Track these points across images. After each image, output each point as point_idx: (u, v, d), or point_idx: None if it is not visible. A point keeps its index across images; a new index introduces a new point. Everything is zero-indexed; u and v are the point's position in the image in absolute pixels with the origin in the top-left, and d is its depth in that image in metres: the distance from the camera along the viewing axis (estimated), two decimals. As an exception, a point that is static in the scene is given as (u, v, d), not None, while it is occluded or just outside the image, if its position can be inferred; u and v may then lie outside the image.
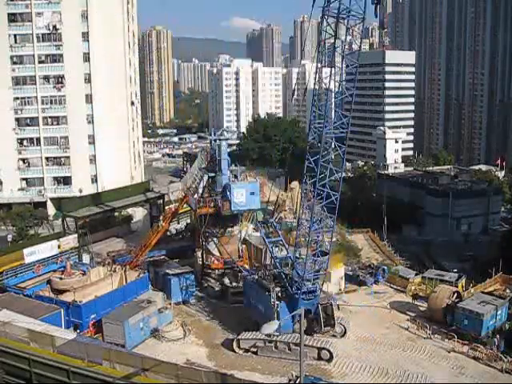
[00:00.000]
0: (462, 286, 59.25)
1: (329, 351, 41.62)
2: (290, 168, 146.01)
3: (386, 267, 65.14)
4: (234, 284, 56.17)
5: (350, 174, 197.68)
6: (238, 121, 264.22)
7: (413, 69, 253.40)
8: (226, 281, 57.17)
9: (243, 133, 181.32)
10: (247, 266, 58.24)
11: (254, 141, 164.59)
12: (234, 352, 43.49)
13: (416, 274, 65.39)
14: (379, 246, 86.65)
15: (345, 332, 45.52)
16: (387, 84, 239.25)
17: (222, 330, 47.31)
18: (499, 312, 47.86)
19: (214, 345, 45.16)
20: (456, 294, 51.10)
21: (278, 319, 40.37)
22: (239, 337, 43.79)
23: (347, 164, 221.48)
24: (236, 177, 61.37)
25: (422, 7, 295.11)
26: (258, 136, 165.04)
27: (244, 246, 62.20)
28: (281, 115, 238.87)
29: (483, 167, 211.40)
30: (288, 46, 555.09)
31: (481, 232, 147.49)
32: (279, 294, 44.21)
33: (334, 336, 44.99)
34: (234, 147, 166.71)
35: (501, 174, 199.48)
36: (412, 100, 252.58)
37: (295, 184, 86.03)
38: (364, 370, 40.66)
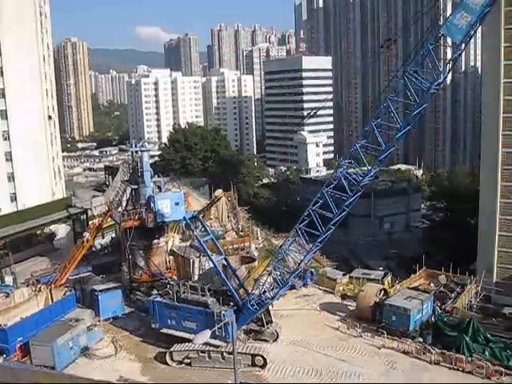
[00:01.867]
0: (389, 283, 60.58)
1: (262, 357, 41.66)
2: (213, 176, 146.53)
3: (313, 270, 65.68)
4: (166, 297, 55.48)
5: (273, 180, 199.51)
6: (159, 131, 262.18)
7: (330, 73, 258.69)
8: (156, 293, 56.41)
9: (165, 143, 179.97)
10: (175, 278, 57.68)
11: (175, 151, 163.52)
12: (168, 365, 42.90)
13: (343, 275, 66.41)
14: (305, 248, 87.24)
15: (277, 337, 45.69)
16: (305, 89, 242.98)
17: (153, 344, 46.57)
18: (425, 306, 49.08)
19: (146, 359, 44.40)
20: (383, 292, 52.19)
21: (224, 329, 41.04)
22: (172, 349, 43.23)
23: (270, 170, 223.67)
24: (159, 188, 60.64)
25: (336, 13, 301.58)
26: (180, 146, 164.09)
27: (171, 257, 61.51)
28: (202, 124, 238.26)
29: (402, 167, 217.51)
30: (206, 54, 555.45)
31: (403, 230, 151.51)
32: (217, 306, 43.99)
33: (266, 341, 45.08)
34: (156, 158, 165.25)
35: (419, 173, 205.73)
36: (330, 104, 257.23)
37: (219, 192, 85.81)
38: (298, 372, 40.89)
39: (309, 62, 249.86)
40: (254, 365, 41.82)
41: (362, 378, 39.82)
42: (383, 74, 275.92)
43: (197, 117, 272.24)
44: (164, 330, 45.22)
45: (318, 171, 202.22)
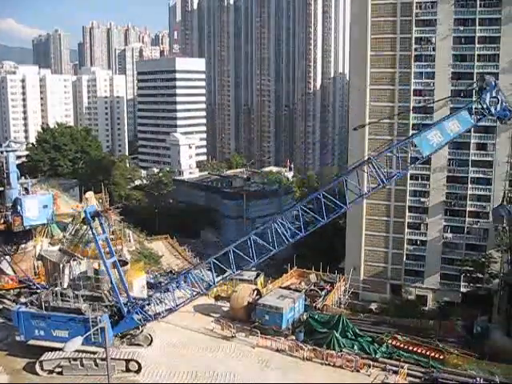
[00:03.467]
0: (261, 284, 61.59)
1: (137, 362, 40.87)
2: (84, 178, 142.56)
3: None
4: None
5: (145, 181, 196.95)
6: (26, 131, 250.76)
7: (203, 75, 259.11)
8: (23, 300, 53.77)
9: (32, 143, 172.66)
10: (44, 283, 55.39)
11: (44, 151, 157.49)
12: (38, 375, 40.97)
13: (216, 276, 66.61)
14: (179, 251, 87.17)
15: (151, 341, 44.98)
16: (179, 91, 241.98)
17: (21, 354, 44.24)
18: (297, 304, 50.32)
19: (15, 370, 42.06)
20: (256, 292, 52.90)
21: (102, 334, 39.18)
22: (42, 358, 41.30)
23: (142, 171, 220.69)
24: (27, 190, 58.06)
25: (210, 15, 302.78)
26: (49, 146, 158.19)
27: (40, 262, 58.97)
28: (72, 124, 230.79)
29: (274, 169, 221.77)
30: (77, 52, 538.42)
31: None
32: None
33: (140, 345, 44.23)
34: (23, 159, 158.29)
35: (290, 175, 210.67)
36: (203, 106, 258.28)
37: (90, 194, 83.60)
38: (174, 375, 40.50)
39: (182, 63, 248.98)
40: (128, 370, 40.93)
41: (237, 377, 40.07)
42: (256, 78, 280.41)
43: (67, 116, 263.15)
44: (31, 342, 42.74)
45: (190, 173, 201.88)
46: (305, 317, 50.30)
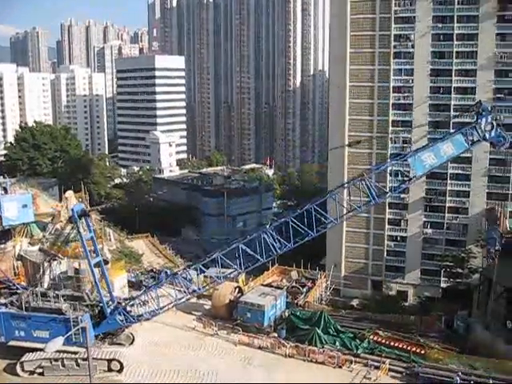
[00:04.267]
0: (243, 281, 61.42)
1: (119, 361, 40.65)
2: (63, 177, 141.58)
3: (168, 270, 65.31)
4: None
5: (125, 180, 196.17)
6: (4, 130, 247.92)
7: (183, 73, 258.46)
8: (3, 301, 53.21)
9: (11, 142, 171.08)
10: (24, 284, 54.89)
11: (22, 150, 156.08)
12: (19, 376, 40.55)
13: (198, 274, 66.55)
14: (160, 249, 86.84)
15: (133, 340, 44.76)
16: (158, 88, 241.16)
17: (2, 355, 43.74)
18: (278, 302, 50.43)
19: None
20: (238, 289, 52.87)
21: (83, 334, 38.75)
22: (22, 359, 40.90)
23: (122, 170, 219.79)
24: (5, 190, 57.53)
25: (190, 12, 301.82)
26: (28, 145, 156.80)
27: (20, 262, 58.42)
28: (51, 123, 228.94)
29: (254, 166, 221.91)
30: (55, 50, 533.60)
31: (256, 228, 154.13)
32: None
33: (122, 345, 43.99)
34: (1, 158, 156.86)
35: (270, 172, 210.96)
36: (183, 104, 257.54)
37: (70, 193, 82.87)
38: (156, 374, 40.38)
39: (162, 61, 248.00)
40: (110, 370, 40.70)
41: (220, 375, 40.06)
42: (235, 75, 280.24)
43: (45, 115, 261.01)
44: (12, 343, 42.31)
45: (171, 171, 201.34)
46: (286, 314, 50.46)
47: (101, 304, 42.58)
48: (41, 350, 39.71)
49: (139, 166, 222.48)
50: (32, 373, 40.54)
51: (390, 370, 41.15)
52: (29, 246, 62.46)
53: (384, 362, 41.45)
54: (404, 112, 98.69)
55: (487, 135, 39.16)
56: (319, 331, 45.77)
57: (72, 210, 41.84)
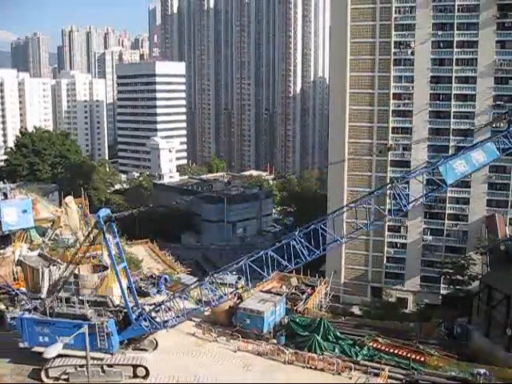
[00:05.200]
0: (242, 287, 61.32)
1: (145, 367, 40.25)
2: (63, 182, 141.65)
3: (167, 276, 65.36)
4: (12, 309, 52.17)
5: (125, 186, 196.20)
6: (4, 135, 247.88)
7: (183, 79, 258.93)
8: (2, 306, 53.13)
9: (11, 148, 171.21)
10: (24, 289, 54.79)
11: (23, 156, 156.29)
12: (43, 382, 40.15)
13: (197, 280, 66.50)
14: (159, 255, 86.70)
15: (156, 345, 44.19)
16: (159, 95, 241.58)
17: (25, 361, 41.72)
18: (278, 308, 50.39)
19: (19, 378, 40.55)
20: (237, 296, 52.76)
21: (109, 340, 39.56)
22: (47, 366, 40.22)
23: (122, 175, 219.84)
24: (5, 195, 57.47)
25: (191, 19, 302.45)
26: (27, 151, 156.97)
27: (19, 267, 58.35)
28: (51, 128, 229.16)
29: (254, 172, 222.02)
30: (56, 56, 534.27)
31: (255, 234, 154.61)
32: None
33: (145, 350, 43.49)
34: (2, 163, 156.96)
35: (270, 178, 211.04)
36: (184, 110, 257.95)
37: (70, 199, 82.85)
38: (155, 379, 40.21)
39: (162, 67, 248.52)
40: (135, 376, 40.34)
41: (219, 381, 39.93)
42: (236, 81, 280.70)
43: (46, 120, 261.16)
44: (35, 349, 41.39)
45: (171, 177, 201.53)
46: (286, 320, 50.36)
47: (125, 310, 42.20)
48: (65, 356, 39.54)
49: (139, 171, 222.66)
50: (57, 379, 40.08)
51: (389, 377, 41.02)
52: (28, 252, 62.41)
53: (383, 369, 41.34)
54: (404, 119, 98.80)
55: None
56: (319, 338, 45.69)
57: (98, 215, 41.24)
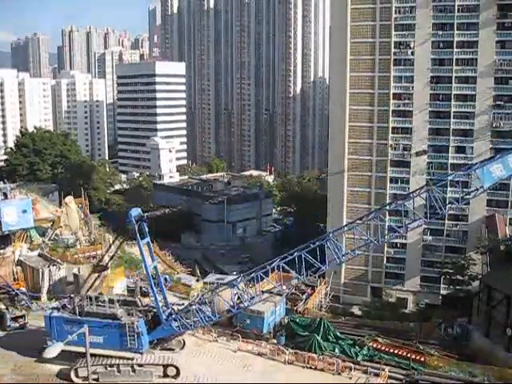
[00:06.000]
0: (242, 288, 61.30)
1: (175, 367, 40.27)
2: (63, 183, 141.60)
3: (167, 276, 65.20)
4: (12, 309, 52.22)
5: (125, 186, 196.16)
6: (4, 135, 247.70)
7: (183, 79, 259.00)
8: (2, 306, 53.18)
9: (11, 148, 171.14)
10: (24, 289, 54.87)
11: (23, 156, 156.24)
12: (72, 382, 39.94)
13: (197, 280, 66.65)
14: (159, 255, 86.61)
15: (184, 345, 44.14)
16: (159, 95, 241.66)
17: (54, 360, 41.70)
18: (278, 308, 50.46)
19: (48, 377, 40.48)
20: (238, 299, 52.67)
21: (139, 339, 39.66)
22: (77, 365, 40.05)
23: (122, 176, 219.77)
24: (5, 195, 57.53)
25: (191, 19, 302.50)
26: (28, 151, 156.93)
27: (19, 267, 58.42)
28: (51, 128, 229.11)
29: (254, 173, 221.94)
30: (56, 56, 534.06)
31: (255, 234, 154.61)
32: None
33: (172, 350, 43.44)
34: (2, 163, 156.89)
35: (270, 179, 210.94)
36: (184, 110, 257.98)
37: (70, 199, 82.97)
38: (156, 380, 40.26)
39: (162, 67, 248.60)
40: (166, 375, 40.35)
41: (219, 381, 39.96)
42: (236, 82, 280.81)
43: (46, 120, 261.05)
44: (65, 348, 41.39)
45: (171, 177, 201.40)
46: (286, 320, 50.44)
47: (154, 309, 42.19)
48: (95, 355, 39.60)
49: (139, 171, 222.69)
50: (86, 379, 39.95)
51: (389, 377, 41.10)
52: (28, 252, 62.60)
53: (383, 369, 41.40)
54: (404, 119, 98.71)
55: None
56: (319, 338, 45.73)
57: (130, 214, 41.14)
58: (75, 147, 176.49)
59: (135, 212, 41.48)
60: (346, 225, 40.90)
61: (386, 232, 41.67)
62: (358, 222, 40.45)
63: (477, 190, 39.58)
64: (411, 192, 40.89)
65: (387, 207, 40.82)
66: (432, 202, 38.48)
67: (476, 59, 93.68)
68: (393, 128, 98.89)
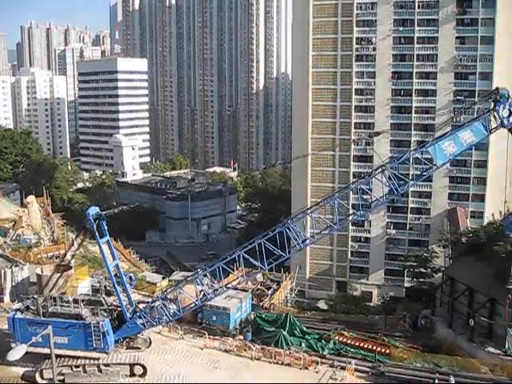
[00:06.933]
0: (206, 282, 61.16)
1: (142, 366, 39.78)
2: (25, 182, 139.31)
3: (132, 275, 64.74)
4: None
5: (88, 184, 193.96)
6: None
7: (145, 76, 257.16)
8: (17, 306, 51.92)
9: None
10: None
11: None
12: None
13: (163, 278, 66.25)
14: (123, 253, 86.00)
15: (150, 343, 43.66)
16: (121, 92, 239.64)
17: (17, 362, 40.66)
18: (244, 304, 50.46)
19: (12, 380, 39.68)
20: (202, 292, 52.53)
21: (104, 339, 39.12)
22: (42, 366, 39.20)
23: (85, 174, 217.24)
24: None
25: (152, 15, 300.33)
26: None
27: (-21, 269, 57.24)
28: (11, 126, 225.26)
29: (218, 169, 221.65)
30: (15, 52, 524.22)
31: (220, 231, 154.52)
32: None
33: (138, 349, 42.93)
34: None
35: (234, 175, 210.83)
36: (146, 107, 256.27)
37: (31, 198, 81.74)
38: (121, 378, 39.88)
39: (124, 63, 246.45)
40: (133, 374, 39.80)
41: (186, 379, 39.79)
42: (198, 78, 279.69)
43: (6, 119, 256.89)
44: (29, 349, 40.35)
45: (134, 174, 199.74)
46: (252, 316, 50.48)
47: (119, 308, 41.66)
48: (61, 356, 38.92)
49: (102, 169, 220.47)
50: (51, 380, 39.10)
51: (355, 370, 41.41)
52: (-11, 253, 61.42)
53: (350, 363, 41.72)
54: (366, 114, 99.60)
55: (505, 122, 39.10)
56: (285, 333, 45.90)
57: (88, 213, 40.45)
58: (36, 146, 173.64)
59: (93, 211, 40.85)
60: (302, 211, 40.70)
61: (345, 216, 41.37)
62: (314, 207, 40.37)
63: (430, 168, 39.91)
64: (367, 174, 41.04)
65: (338, 194, 40.89)
66: (388, 183, 38.76)
67: (436, 55, 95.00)
68: (355, 123, 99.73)
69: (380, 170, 39.27)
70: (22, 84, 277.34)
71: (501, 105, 38.96)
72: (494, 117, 38.98)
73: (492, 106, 39.65)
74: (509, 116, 38.86)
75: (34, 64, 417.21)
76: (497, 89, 39.65)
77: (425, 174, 40.79)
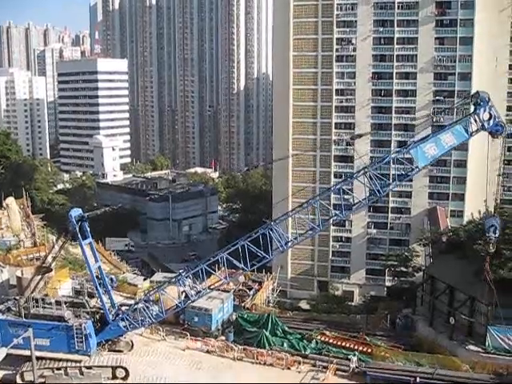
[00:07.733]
0: (188, 283, 60.96)
1: (124, 368, 39.55)
2: (4, 183, 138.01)
3: (113, 276, 64.35)
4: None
5: (68, 185, 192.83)
6: None
7: (125, 77, 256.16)
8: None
9: None
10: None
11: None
12: None
13: (144, 279, 65.97)
14: (104, 255, 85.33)
15: (132, 346, 43.35)
16: (101, 92, 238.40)
17: None
18: (226, 305, 50.39)
19: None
20: (184, 293, 52.37)
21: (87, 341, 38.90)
22: (23, 369, 38.77)
23: (65, 175, 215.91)
24: None
25: (132, 15, 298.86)
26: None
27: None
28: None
29: (199, 170, 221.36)
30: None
31: (202, 232, 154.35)
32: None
33: (120, 352, 42.59)
34: None
35: (215, 176, 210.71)
36: (126, 107, 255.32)
37: (11, 200, 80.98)
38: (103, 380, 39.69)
39: (104, 64, 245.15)
40: (115, 377, 39.54)
41: (169, 380, 39.68)
42: (179, 78, 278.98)
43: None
44: (10, 351, 39.84)
45: (114, 175, 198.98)
46: (234, 317, 50.41)
47: (102, 310, 41.35)
48: (42, 358, 38.57)
49: (82, 170, 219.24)
50: (32, 382, 38.74)
51: (337, 369, 41.56)
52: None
53: (332, 362, 41.85)
54: (347, 114, 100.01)
55: (486, 125, 39.14)
56: (267, 333, 45.91)
57: (70, 215, 40.07)
58: (16, 147, 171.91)
59: (75, 212, 40.44)
60: (285, 213, 40.80)
61: (327, 218, 41.50)
62: (297, 209, 40.48)
63: (412, 170, 40.22)
64: (352, 175, 41.37)
65: (320, 196, 41.10)
66: (370, 185, 38.98)
67: (416, 55, 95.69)
68: (336, 123, 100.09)
69: (362, 172, 39.43)
70: (1, 84, 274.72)
71: (481, 108, 39.16)
72: (475, 120, 39.24)
73: (473, 110, 39.97)
74: (489, 119, 39.14)
75: (12, 64, 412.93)
76: (477, 92, 39.95)
77: (409, 174, 41.17)
